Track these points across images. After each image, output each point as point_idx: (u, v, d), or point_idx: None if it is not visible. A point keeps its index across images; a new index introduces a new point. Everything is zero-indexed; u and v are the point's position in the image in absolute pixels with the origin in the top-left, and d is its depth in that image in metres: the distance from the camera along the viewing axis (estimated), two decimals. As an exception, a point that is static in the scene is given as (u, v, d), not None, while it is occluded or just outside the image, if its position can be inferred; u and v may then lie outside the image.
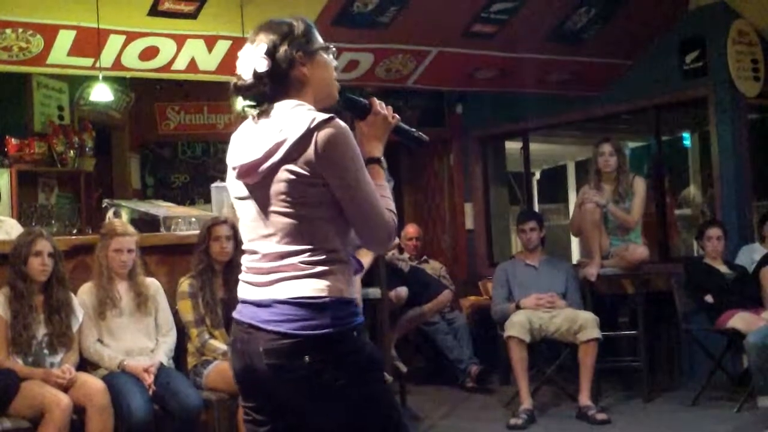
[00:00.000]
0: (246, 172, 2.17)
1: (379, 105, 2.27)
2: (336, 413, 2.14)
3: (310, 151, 2.07)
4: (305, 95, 2.19)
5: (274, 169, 2.10)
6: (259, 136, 2.15)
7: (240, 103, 2.22)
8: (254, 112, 2.20)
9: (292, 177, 2.08)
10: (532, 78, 6.93)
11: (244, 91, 2.19)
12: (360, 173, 2.10)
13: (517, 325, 5.60)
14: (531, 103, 7.54)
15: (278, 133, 2.10)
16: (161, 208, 5.38)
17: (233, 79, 2.22)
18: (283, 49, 2.17)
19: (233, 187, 2.25)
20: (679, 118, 7.99)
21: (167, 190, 8.12)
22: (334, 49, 2.28)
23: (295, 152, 2.07)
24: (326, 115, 2.10)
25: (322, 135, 2.06)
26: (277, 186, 2.10)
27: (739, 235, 6.43)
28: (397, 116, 2.31)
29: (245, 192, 2.20)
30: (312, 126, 2.07)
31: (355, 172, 2.09)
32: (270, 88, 2.17)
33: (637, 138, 8.86)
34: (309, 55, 2.20)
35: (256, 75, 2.16)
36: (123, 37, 5.47)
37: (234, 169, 2.22)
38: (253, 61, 2.17)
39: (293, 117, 2.12)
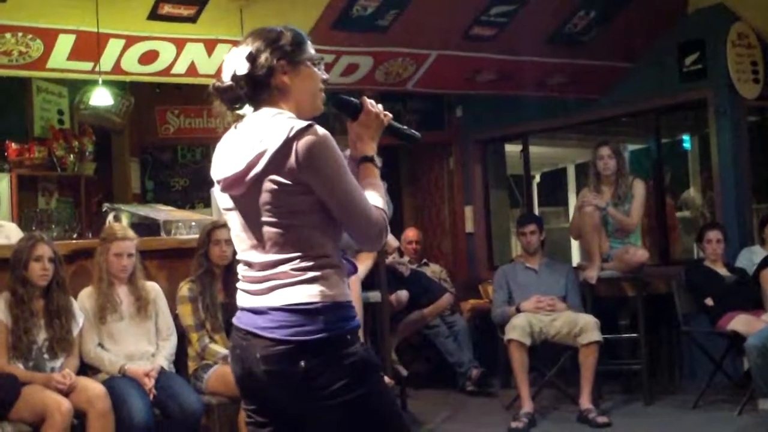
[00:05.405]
0: (230, 185, 2.18)
1: (371, 104, 2.27)
2: (335, 416, 2.14)
3: (292, 161, 2.06)
4: (287, 104, 2.19)
5: (257, 180, 2.10)
6: (240, 147, 2.15)
7: (218, 105, 2.22)
8: (235, 121, 2.21)
9: (275, 187, 2.08)
10: (531, 81, 6.93)
11: (221, 92, 2.21)
12: (343, 177, 2.10)
13: (517, 329, 5.59)
14: (531, 106, 7.53)
15: (258, 143, 2.10)
16: (161, 212, 5.38)
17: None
18: (264, 56, 2.17)
19: (220, 198, 2.26)
20: (679, 121, 7.98)
21: (167, 194, 8.12)
22: (324, 60, 2.28)
23: (276, 162, 2.07)
24: (305, 123, 2.09)
25: (301, 144, 2.06)
26: (262, 196, 2.10)
27: (739, 238, 6.42)
28: (389, 114, 2.31)
29: (231, 203, 2.21)
30: (291, 135, 2.07)
31: (339, 177, 2.09)
32: (247, 93, 2.19)
33: (637, 140, 8.86)
34: (293, 64, 2.20)
35: (234, 77, 2.18)
36: (123, 41, 5.48)
37: (218, 182, 2.23)
38: (234, 63, 2.19)
39: (273, 126, 2.11)
